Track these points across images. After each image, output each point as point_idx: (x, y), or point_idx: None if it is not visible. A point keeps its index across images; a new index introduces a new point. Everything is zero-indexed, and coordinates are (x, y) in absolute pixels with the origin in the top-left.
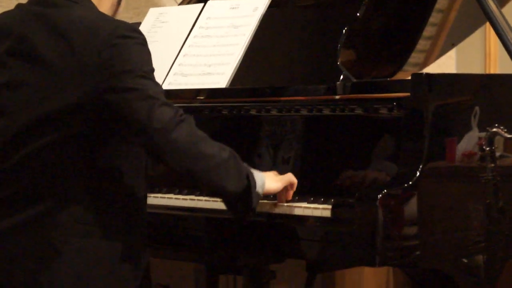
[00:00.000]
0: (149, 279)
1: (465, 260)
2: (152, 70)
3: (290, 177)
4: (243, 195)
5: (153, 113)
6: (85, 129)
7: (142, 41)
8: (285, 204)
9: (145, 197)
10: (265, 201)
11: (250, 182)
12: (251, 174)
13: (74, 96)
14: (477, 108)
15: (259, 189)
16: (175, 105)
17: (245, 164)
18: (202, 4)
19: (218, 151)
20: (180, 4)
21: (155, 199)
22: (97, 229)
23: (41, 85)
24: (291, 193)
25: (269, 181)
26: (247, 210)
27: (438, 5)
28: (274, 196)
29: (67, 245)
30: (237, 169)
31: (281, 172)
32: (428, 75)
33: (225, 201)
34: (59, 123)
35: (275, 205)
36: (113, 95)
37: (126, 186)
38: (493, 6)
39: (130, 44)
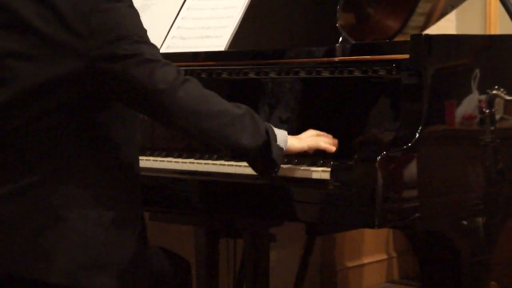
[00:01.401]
0: (146, 241)
1: (464, 222)
2: (145, 31)
3: (316, 139)
4: (263, 150)
5: (155, 75)
6: (83, 97)
7: (130, 3)
8: (284, 166)
9: (138, 162)
10: None
11: (269, 136)
12: (271, 128)
13: (68, 65)
14: (477, 70)
15: (280, 143)
16: None
17: (264, 122)
18: None
19: (231, 107)
20: None
21: (154, 162)
22: (99, 195)
23: (35, 54)
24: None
25: (293, 139)
26: (270, 165)
27: None
28: (297, 160)
29: (70, 211)
30: (253, 124)
31: None
32: (428, 36)
33: (245, 158)
34: (56, 92)
35: None
36: (110, 64)
37: (123, 151)
38: None
39: (120, 8)
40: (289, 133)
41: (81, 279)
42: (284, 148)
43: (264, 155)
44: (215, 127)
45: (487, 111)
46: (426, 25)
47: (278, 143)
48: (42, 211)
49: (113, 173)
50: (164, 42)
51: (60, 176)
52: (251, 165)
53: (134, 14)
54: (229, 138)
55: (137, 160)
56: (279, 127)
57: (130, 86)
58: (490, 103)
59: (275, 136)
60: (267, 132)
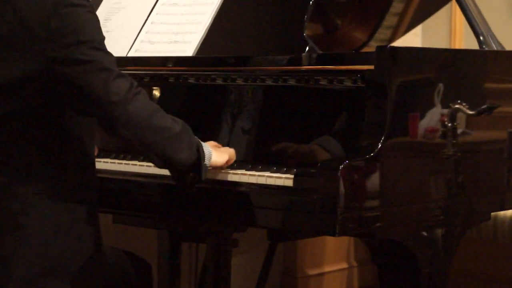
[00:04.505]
0: (101, 243)
1: (424, 233)
2: (103, 39)
3: (232, 151)
4: (194, 167)
5: (109, 86)
6: (38, 100)
7: (91, 9)
8: (248, 173)
9: (95, 164)
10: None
11: (200, 155)
12: (201, 146)
13: (24, 67)
14: (441, 84)
15: (207, 161)
16: (141, 72)
17: (195, 137)
18: None
19: (172, 124)
20: None
21: (119, 165)
22: (56, 199)
23: None
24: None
25: (215, 154)
26: (197, 181)
27: None
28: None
29: (28, 217)
30: (189, 142)
31: (246, 141)
32: (393, 48)
33: (174, 172)
34: (12, 95)
35: (237, 174)
36: (66, 67)
37: (81, 155)
38: None
39: (80, 13)
40: (253, 141)
41: (40, 286)
42: (208, 166)
43: (194, 172)
44: (157, 142)
45: (449, 124)
46: (393, 38)
47: (205, 162)
48: (2, 218)
49: (69, 177)
50: (133, 46)
51: (18, 181)
52: (176, 177)
53: (94, 20)
54: (167, 153)
55: (94, 163)
56: (245, 134)
57: (83, 91)
58: (453, 117)
59: (204, 155)
60: (198, 150)
